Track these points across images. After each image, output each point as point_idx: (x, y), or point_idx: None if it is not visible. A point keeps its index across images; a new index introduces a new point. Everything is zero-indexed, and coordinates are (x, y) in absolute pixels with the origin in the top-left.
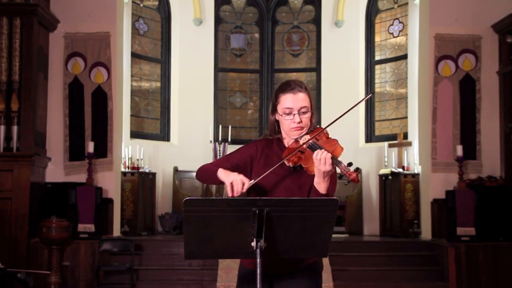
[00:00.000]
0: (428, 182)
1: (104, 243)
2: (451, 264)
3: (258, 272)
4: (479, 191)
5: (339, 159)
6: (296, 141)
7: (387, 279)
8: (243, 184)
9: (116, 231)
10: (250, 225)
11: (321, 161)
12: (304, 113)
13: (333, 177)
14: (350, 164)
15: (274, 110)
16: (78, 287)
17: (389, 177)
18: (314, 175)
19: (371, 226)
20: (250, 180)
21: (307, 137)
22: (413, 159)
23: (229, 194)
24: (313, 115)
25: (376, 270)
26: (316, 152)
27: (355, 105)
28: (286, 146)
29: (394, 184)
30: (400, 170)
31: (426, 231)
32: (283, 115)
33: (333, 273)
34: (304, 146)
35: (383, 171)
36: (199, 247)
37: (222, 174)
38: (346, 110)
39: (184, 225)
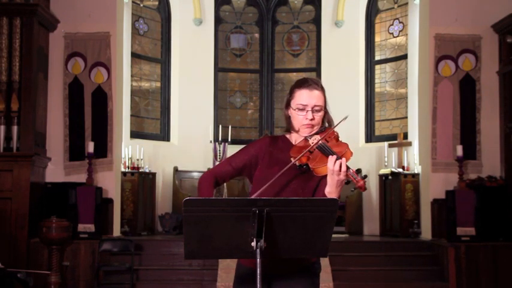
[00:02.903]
0: (428, 182)
1: (104, 243)
2: (451, 264)
3: (258, 272)
4: (479, 191)
5: (348, 164)
6: (305, 139)
7: (387, 279)
8: None
9: (116, 231)
10: (250, 225)
11: (334, 171)
12: (317, 111)
13: None
14: (359, 171)
15: (288, 105)
16: (78, 287)
17: (389, 177)
18: (319, 177)
19: (371, 226)
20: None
21: (317, 137)
22: (413, 159)
23: None
24: (326, 116)
25: (376, 270)
26: (330, 160)
27: (336, 125)
28: (293, 143)
29: (394, 184)
30: (400, 170)
31: (426, 231)
32: (296, 110)
33: (333, 273)
34: (314, 146)
35: (383, 171)
36: (199, 247)
37: None
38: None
39: (184, 225)
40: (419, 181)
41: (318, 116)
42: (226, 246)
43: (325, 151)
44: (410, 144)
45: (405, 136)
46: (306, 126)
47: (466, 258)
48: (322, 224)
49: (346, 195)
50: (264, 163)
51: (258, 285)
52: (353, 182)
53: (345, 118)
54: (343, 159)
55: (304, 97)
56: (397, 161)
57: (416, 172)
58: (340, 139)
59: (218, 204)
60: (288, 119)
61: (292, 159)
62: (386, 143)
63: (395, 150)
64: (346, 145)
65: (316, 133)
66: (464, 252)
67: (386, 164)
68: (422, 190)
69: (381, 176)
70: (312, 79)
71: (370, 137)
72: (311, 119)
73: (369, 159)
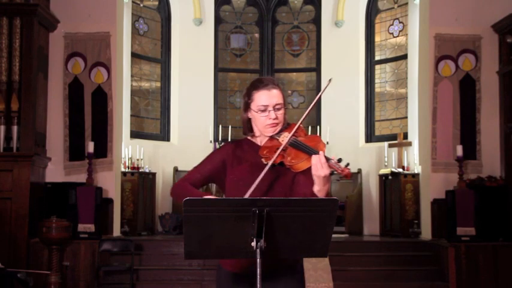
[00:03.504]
0: (428, 182)
1: (104, 243)
2: (451, 264)
3: (258, 272)
4: (479, 191)
5: (327, 155)
6: (271, 138)
7: (387, 279)
8: None
9: (116, 231)
10: (250, 225)
11: (317, 165)
12: (278, 109)
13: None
14: (340, 160)
15: (247, 108)
16: (78, 287)
17: (390, 177)
18: (294, 173)
19: (371, 226)
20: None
21: (287, 133)
22: (413, 159)
23: None
24: (285, 112)
25: (376, 270)
26: (313, 158)
27: (319, 94)
28: (259, 144)
29: (394, 184)
30: (400, 170)
31: (426, 231)
32: (259, 112)
33: (333, 273)
34: (287, 144)
35: (383, 171)
36: (199, 247)
37: None
38: (313, 103)
39: (184, 225)
40: (419, 181)
41: (280, 114)
42: (226, 246)
43: (299, 147)
44: (410, 144)
45: (405, 136)
46: (270, 126)
47: (466, 258)
48: (322, 224)
49: (346, 195)
50: (233, 165)
51: (258, 285)
52: (337, 171)
53: (308, 113)
54: (321, 152)
55: (264, 98)
56: (397, 161)
57: (416, 172)
58: (308, 133)
59: (218, 204)
60: (247, 122)
61: (263, 159)
62: (386, 143)
63: (395, 150)
64: (317, 137)
65: (282, 130)
66: (464, 252)
67: (386, 164)
68: (422, 190)
69: (381, 176)
70: (267, 78)
71: (370, 137)
72: (274, 118)
73: (369, 159)
